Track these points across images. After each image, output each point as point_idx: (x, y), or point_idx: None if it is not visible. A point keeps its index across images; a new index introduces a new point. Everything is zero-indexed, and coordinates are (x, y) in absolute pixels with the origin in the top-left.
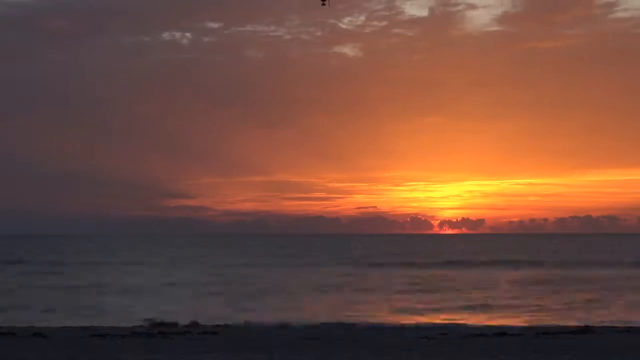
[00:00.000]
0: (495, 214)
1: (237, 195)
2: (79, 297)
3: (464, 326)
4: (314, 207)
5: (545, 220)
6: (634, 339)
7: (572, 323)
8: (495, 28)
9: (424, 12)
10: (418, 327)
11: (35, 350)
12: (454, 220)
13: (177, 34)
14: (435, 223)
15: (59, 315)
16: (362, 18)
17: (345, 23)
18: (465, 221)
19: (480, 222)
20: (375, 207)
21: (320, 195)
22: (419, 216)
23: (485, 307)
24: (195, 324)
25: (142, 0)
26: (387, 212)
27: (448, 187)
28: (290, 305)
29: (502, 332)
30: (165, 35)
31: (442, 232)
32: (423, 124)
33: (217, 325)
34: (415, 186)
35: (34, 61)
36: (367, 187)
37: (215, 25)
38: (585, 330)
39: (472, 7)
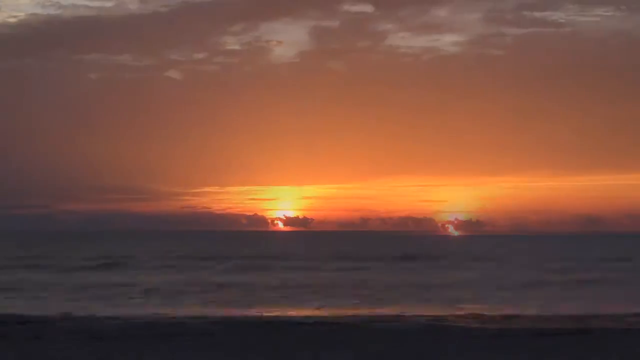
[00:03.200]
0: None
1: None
2: None
3: (462, 326)
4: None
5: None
6: (633, 339)
7: (572, 323)
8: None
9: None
10: (417, 327)
11: (35, 350)
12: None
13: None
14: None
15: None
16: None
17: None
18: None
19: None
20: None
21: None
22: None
23: None
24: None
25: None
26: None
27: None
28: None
29: (501, 332)
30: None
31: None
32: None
33: (217, 324)
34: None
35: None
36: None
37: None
38: (585, 330)
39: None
